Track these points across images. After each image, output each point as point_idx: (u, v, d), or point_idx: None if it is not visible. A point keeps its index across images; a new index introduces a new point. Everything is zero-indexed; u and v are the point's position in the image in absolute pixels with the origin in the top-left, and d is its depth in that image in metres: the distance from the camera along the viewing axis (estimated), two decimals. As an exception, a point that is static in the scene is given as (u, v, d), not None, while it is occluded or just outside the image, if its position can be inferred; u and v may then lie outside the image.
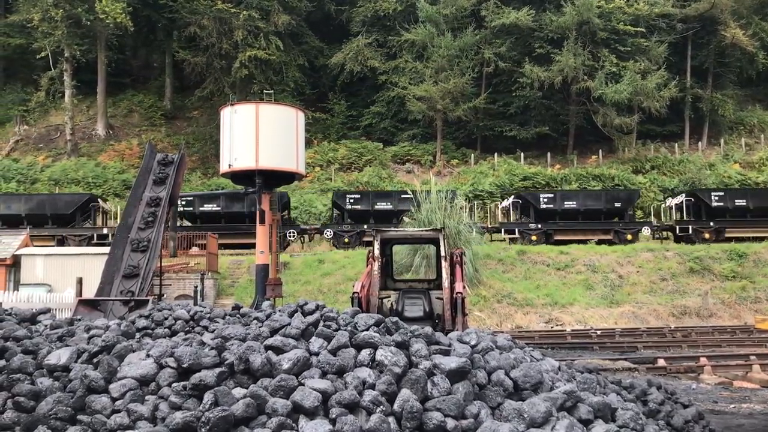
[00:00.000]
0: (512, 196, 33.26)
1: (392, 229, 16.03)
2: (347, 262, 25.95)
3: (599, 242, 30.25)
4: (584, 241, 30.04)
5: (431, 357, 5.41)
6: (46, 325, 7.06)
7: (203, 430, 4.45)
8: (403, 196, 30.91)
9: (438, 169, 42.25)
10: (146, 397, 5.01)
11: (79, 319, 7.98)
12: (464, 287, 11.29)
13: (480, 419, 4.88)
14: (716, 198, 31.75)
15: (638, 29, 43.02)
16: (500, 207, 34.42)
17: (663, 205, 35.51)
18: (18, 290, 20.79)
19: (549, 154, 43.34)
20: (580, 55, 40.80)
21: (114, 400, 4.96)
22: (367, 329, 5.78)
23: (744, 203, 31.61)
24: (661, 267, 26.42)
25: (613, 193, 33.05)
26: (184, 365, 5.10)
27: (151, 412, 4.80)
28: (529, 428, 4.82)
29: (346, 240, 30.18)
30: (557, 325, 22.60)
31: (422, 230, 14.14)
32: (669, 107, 42.20)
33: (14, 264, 22.95)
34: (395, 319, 6.12)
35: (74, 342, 6.14)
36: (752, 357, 15.02)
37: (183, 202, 29.75)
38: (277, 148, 18.25)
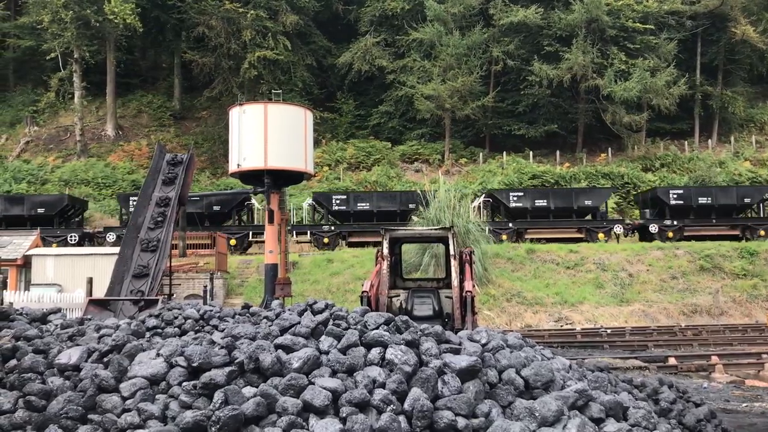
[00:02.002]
0: (309, 198, 32.58)
1: (401, 228, 16.02)
2: (356, 261, 25.95)
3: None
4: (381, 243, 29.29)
5: (441, 356, 5.40)
6: (56, 325, 7.09)
7: (213, 429, 4.45)
8: (213, 198, 30.33)
9: (446, 168, 42.19)
10: (156, 396, 5.02)
11: (90, 319, 8.01)
12: (474, 286, 11.26)
13: (491, 418, 4.86)
14: (515, 198, 30.80)
15: (647, 26, 42.79)
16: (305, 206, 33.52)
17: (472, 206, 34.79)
18: (29, 290, 20.90)
19: (558, 153, 43.20)
20: (588, 53, 40.63)
21: (124, 399, 4.97)
22: (377, 328, 5.76)
23: (545, 204, 30.63)
24: (671, 265, 26.28)
25: (407, 194, 31.82)
26: (194, 364, 5.10)
27: (161, 411, 4.81)
28: (540, 427, 4.79)
29: None
30: (567, 324, 22.52)
31: (431, 229, 14.09)
32: (678, 105, 41.96)
33: (25, 264, 23.10)
34: (405, 317, 6.10)
35: (85, 341, 6.16)
36: (764, 355, 14.95)
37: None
38: (285, 148, 18.25)
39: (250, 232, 30.27)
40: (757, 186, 34.49)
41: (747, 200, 31.54)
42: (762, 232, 30.72)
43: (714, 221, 31.16)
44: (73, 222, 31.47)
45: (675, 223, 30.90)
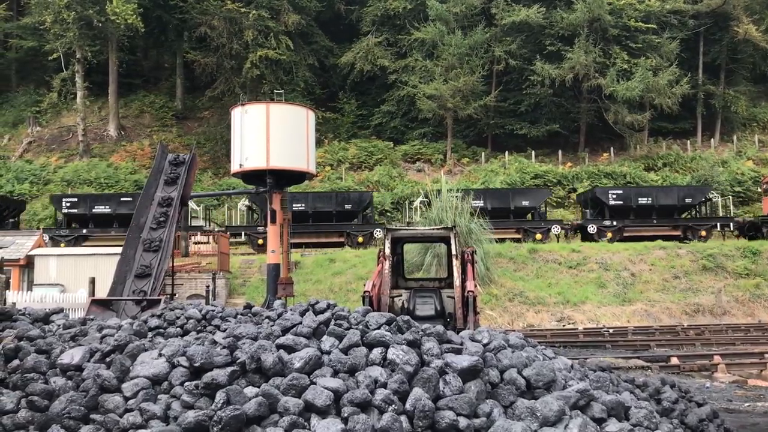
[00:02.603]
0: (245, 198, 31.73)
1: (403, 227, 16.02)
2: (358, 261, 25.97)
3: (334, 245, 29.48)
4: (317, 245, 29.37)
5: (443, 356, 5.40)
6: (59, 325, 7.09)
7: (215, 429, 4.46)
8: (122, 199, 29.67)
9: (449, 167, 42.17)
10: (159, 396, 5.03)
11: (92, 319, 8.01)
12: (476, 286, 11.26)
13: (492, 418, 4.86)
14: None
15: (650, 26, 42.78)
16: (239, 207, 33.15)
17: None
18: (31, 290, 20.94)
19: (560, 152, 43.16)
20: (591, 53, 40.60)
21: (127, 399, 4.98)
22: (379, 328, 5.76)
23: (481, 204, 30.14)
24: (673, 265, 26.25)
25: (343, 195, 31.54)
26: (196, 364, 5.11)
27: (163, 411, 4.82)
28: (542, 427, 4.79)
29: (63, 245, 28.20)
30: (569, 324, 22.51)
31: (433, 229, 14.09)
32: (681, 104, 41.92)
33: (28, 264, 23.13)
34: (407, 317, 6.10)
35: (87, 341, 6.17)
36: (766, 355, 14.91)
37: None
38: (287, 148, 18.29)
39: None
40: (699, 186, 34.34)
41: (688, 200, 31.53)
42: (703, 233, 30.77)
43: (655, 222, 31.16)
44: (8, 223, 30.19)
45: (614, 223, 30.85)
